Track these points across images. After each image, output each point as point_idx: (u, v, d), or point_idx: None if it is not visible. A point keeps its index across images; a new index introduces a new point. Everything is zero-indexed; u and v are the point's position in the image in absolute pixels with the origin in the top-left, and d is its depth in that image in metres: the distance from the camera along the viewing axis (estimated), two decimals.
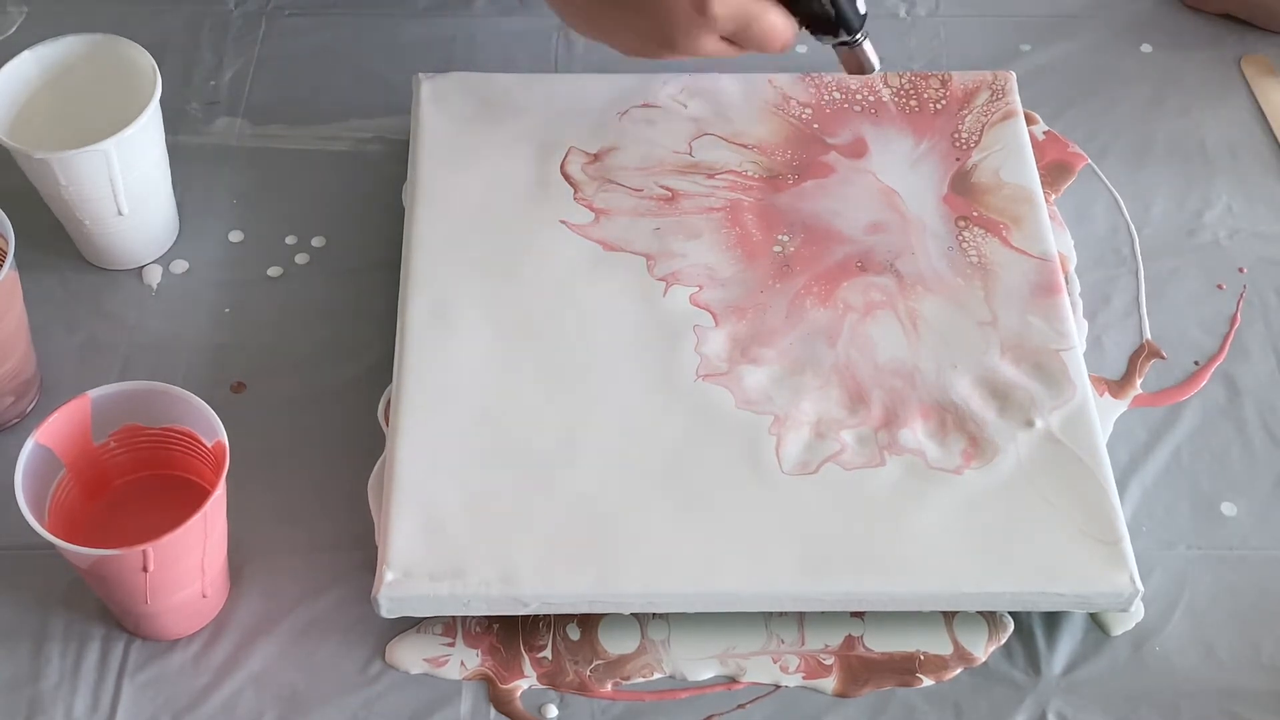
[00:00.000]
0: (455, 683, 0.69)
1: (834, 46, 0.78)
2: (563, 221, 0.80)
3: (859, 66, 0.79)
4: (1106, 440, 0.75)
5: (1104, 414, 0.77)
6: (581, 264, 0.78)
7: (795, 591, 0.68)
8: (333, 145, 0.89)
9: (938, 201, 0.81)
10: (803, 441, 0.72)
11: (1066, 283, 0.80)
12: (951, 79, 0.87)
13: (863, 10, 0.76)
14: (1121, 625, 0.71)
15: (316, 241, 0.84)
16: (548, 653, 0.70)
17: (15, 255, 0.72)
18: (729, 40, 0.75)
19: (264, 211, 0.85)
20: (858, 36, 0.77)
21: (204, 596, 0.68)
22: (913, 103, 0.86)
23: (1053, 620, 0.71)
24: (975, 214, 0.81)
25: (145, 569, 0.63)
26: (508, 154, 0.82)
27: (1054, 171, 0.87)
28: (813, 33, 0.76)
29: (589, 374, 0.74)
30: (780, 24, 0.74)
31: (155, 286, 0.82)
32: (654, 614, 0.70)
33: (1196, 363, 0.80)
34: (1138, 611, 0.71)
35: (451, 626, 0.70)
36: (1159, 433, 0.77)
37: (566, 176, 0.82)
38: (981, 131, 0.84)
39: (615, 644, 0.70)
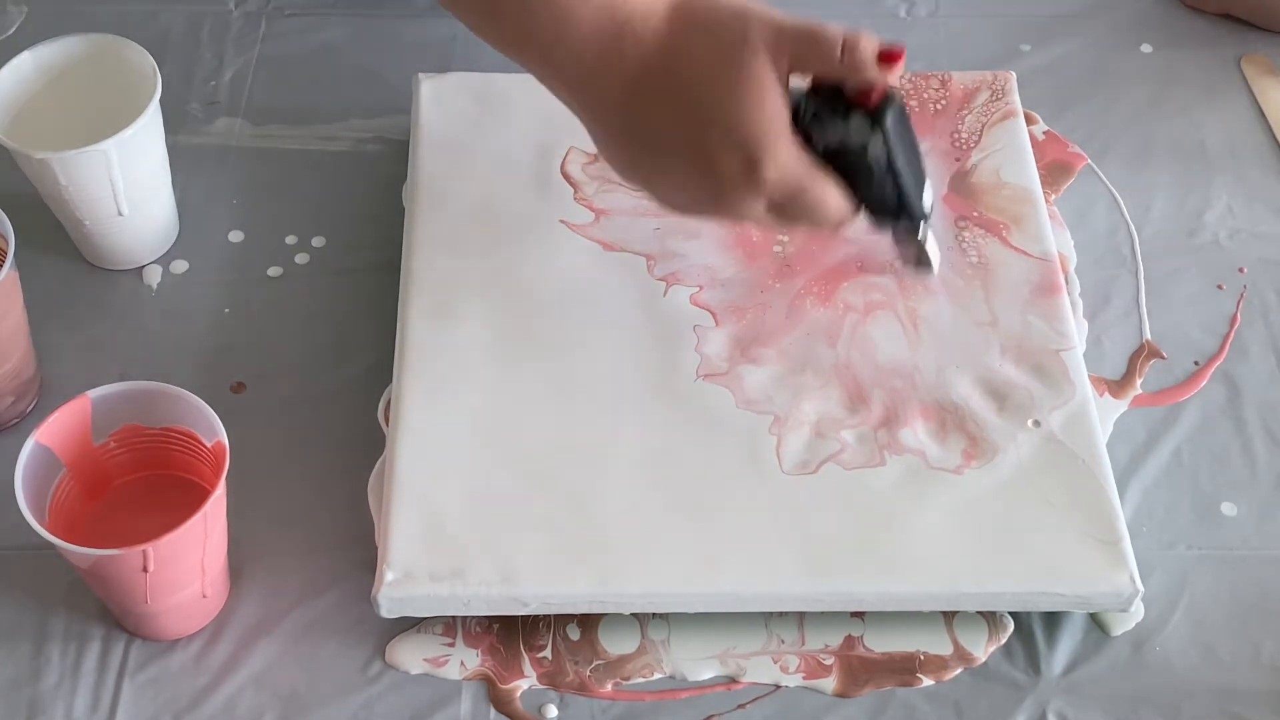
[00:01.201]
0: (455, 683, 0.69)
1: (893, 236, 0.73)
2: (563, 221, 0.80)
3: (916, 259, 0.74)
4: (1106, 440, 0.75)
5: (1104, 414, 0.77)
6: (581, 264, 0.78)
7: (795, 591, 0.68)
8: (333, 145, 0.89)
9: (937, 201, 0.81)
10: (803, 441, 0.72)
11: (1066, 283, 0.80)
12: (951, 79, 0.87)
13: (928, 204, 0.70)
14: (1121, 625, 0.71)
15: (316, 241, 0.84)
16: (548, 653, 0.70)
17: (15, 255, 0.72)
18: (779, 210, 0.68)
19: (264, 211, 0.85)
20: (920, 229, 0.72)
21: (204, 596, 0.68)
22: (913, 103, 0.85)
23: (1053, 620, 0.71)
24: (975, 214, 0.81)
25: (145, 569, 0.63)
26: (508, 154, 0.82)
27: (1054, 171, 0.87)
28: (871, 215, 0.70)
29: (589, 374, 0.74)
30: (835, 200, 0.67)
31: (155, 286, 0.82)
32: (654, 614, 0.70)
33: (1196, 363, 0.80)
34: (1138, 611, 0.71)
35: (451, 626, 0.70)
36: (1159, 433, 0.77)
37: (566, 176, 0.82)
38: (981, 131, 0.84)
39: (615, 644, 0.70)
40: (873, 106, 0.65)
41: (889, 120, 0.66)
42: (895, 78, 0.65)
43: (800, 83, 0.66)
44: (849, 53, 0.64)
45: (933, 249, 0.73)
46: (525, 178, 0.82)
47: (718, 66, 0.65)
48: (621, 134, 0.68)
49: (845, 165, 0.67)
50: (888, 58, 0.64)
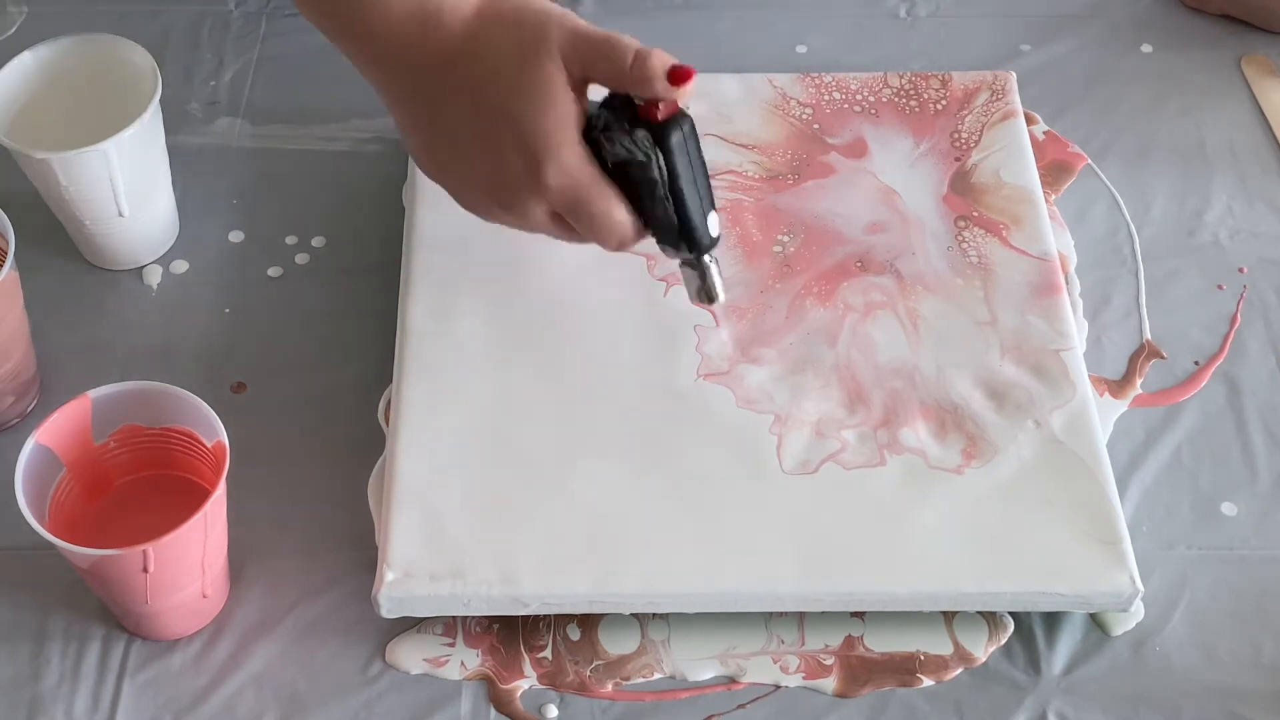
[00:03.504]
0: (455, 683, 0.69)
1: (680, 264, 0.70)
2: None
3: (699, 292, 0.70)
4: (1106, 440, 0.75)
5: (1104, 414, 0.77)
6: (582, 264, 0.78)
7: (795, 591, 0.68)
8: (333, 145, 0.89)
9: (937, 201, 0.81)
10: (803, 441, 0.72)
11: (1066, 283, 0.80)
12: (951, 79, 0.87)
13: (715, 232, 0.68)
14: (1121, 625, 0.71)
15: (316, 241, 0.84)
16: (548, 653, 0.70)
17: (15, 255, 0.72)
18: (562, 219, 0.67)
19: (264, 211, 0.85)
20: (703, 258, 0.69)
21: (204, 596, 0.68)
22: (913, 103, 0.86)
23: (1053, 620, 0.71)
24: (975, 214, 0.81)
25: (145, 569, 0.63)
26: None
27: (1054, 171, 0.87)
28: (658, 240, 0.68)
29: (590, 374, 0.74)
30: (618, 215, 0.66)
31: (155, 286, 0.82)
32: (654, 614, 0.70)
33: (1196, 363, 0.80)
34: (1138, 611, 0.71)
35: (452, 626, 0.70)
36: (1159, 433, 0.77)
37: None
38: (981, 131, 0.84)
39: (615, 644, 0.70)
40: (659, 122, 0.65)
41: (674, 139, 0.65)
42: (685, 97, 0.65)
43: (600, 95, 0.67)
44: (639, 65, 0.64)
45: (716, 282, 0.69)
46: None
47: (513, 65, 0.65)
48: (420, 123, 0.69)
49: (630, 181, 0.66)
50: (677, 76, 0.64)
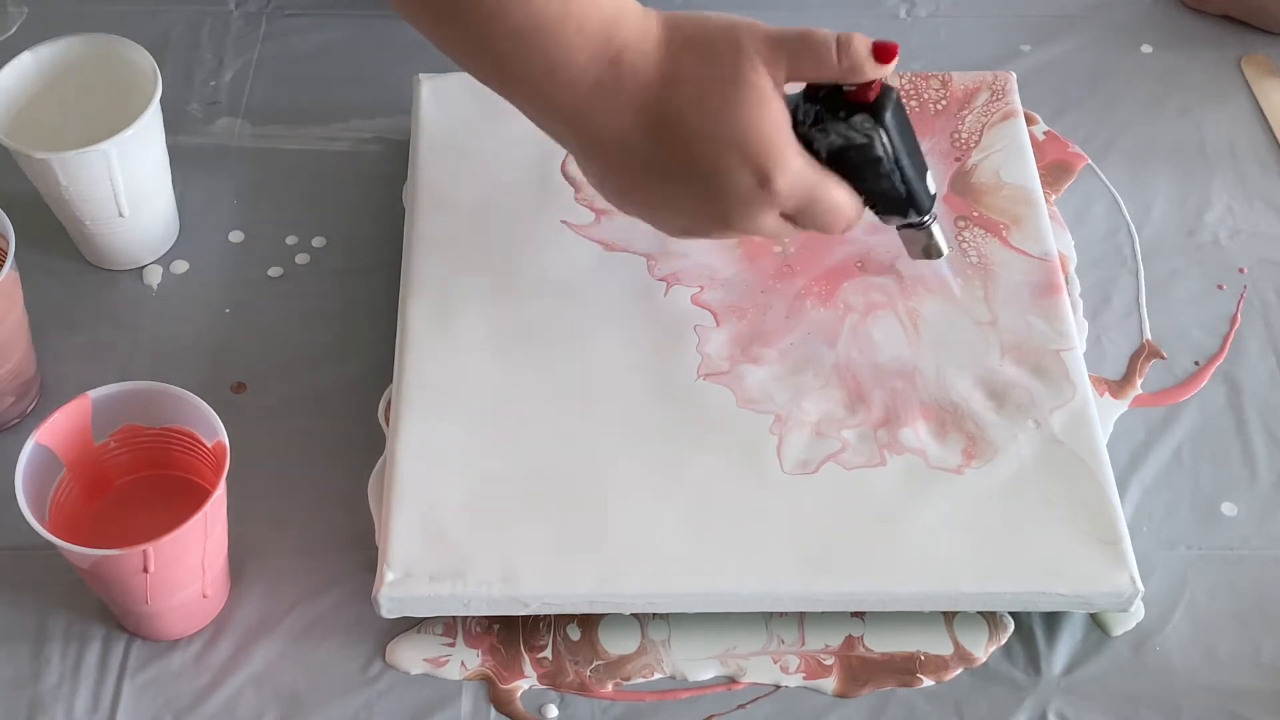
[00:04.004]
0: (456, 683, 0.69)
1: (899, 228, 0.71)
2: (564, 222, 0.80)
3: (926, 250, 0.72)
4: (1106, 440, 0.75)
5: (1104, 414, 0.77)
6: (582, 264, 0.78)
7: (795, 591, 0.68)
8: (333, 145, 0.89)
9: (940, 191, 0.81)
10: (803, 441, 0.72)
11: (1066, 283, 0.80)
12: (951, 79, 0.87)
13: (933, 190, 0.70)
14: (1122, 625, 0.71)
15: (316, 241, 0.84)
16: (548, 653, 0.70)
17: (15, 255, 0.72)
18: (789, 218, 0.67)
19: (264, 211, 0.85)
20: (926, 218, 0.70)
21: (204, 596, 0.68)
22: (913, 103, 0.86)
23: (1053, 620, 0.71)
24: (975, 214, 0.81)
25: (145, 569, 0.63)
26: (508, 154, 0.82)
27: (1054, 171, 0.87)
28: (878, 213, 0.70)
29: (590, 374, 0.74)
30: (845, 202, 0.67)
31: (155, 286, 0.82)
32: (654, 614, 0.70)
33: (1196, 363, 0.80)
34: (1138, 611, 0.71)
35: (452, 626, 0.70)
36: (1159, 433, 0.77)
37: (567, 177, 0.82)
38: (981, 132, 0.84)
39: (615, 644, 0.70)
40: (871, 102, 0.66)
41: (889, 115, 0.66)
42: (890, 72, 0.66)
43: (791, 89, 0.66)
44: (844, 53, 0.65)
45: (939, 236, 0.72)
46: (526, 178, 0.82)
47: (717, 84, 0.64)
48: (623, 163, 0.67)
49: (850, 165, 0.67)
50: (883, 53, 0.65)
